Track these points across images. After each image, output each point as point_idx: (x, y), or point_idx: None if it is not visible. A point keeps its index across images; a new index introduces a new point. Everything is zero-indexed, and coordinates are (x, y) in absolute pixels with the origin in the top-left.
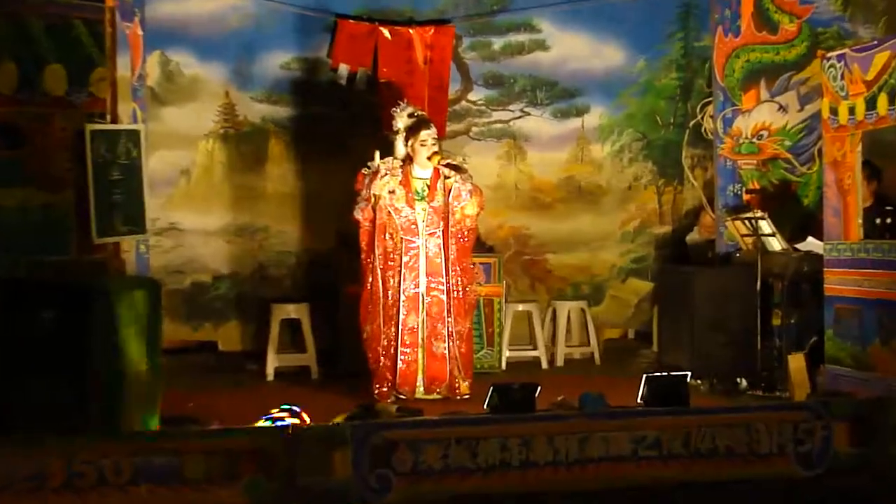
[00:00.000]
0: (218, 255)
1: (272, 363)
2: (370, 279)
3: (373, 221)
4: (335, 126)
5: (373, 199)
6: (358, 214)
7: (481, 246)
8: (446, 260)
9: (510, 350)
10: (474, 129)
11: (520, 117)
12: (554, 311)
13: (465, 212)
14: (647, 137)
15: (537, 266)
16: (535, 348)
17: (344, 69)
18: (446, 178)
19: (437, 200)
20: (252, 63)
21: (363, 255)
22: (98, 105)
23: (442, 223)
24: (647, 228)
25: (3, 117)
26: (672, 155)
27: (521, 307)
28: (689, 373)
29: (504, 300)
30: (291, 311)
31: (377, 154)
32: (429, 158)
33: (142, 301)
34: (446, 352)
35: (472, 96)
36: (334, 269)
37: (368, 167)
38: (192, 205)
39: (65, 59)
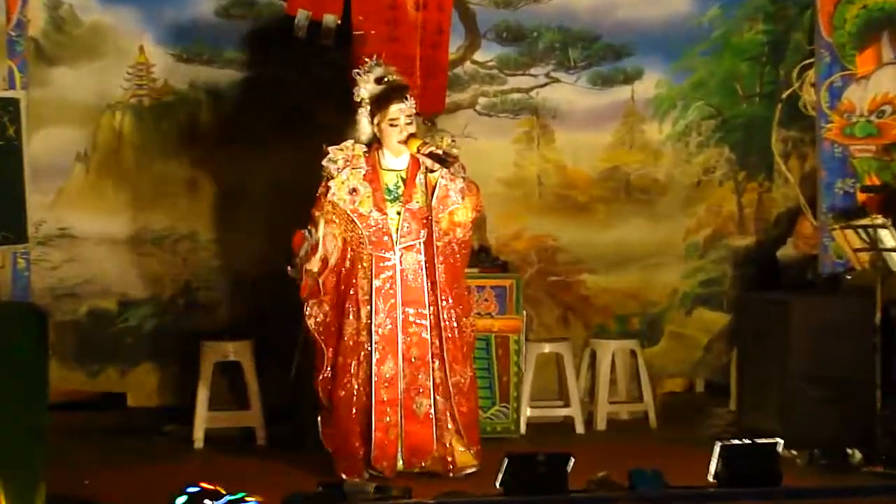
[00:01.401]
0: (127, 272)
1: (202, 424)
2: (326, 310)
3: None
4: (293, 96)
5: (334, 241)
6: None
7: (492, 262)
8: (431, 284)
9: (533, 407)
10: (483, 100)
11: (545, 85)
12: (593, 354)
13: (454, 219)
14: (723, 114)
15: (570, 291)
16: (566, 405)
17: (304, 17)
18: (428, 170)
19: (415, 201)
20: (177, 6)
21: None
22: None
23: (424, 232)
24: (723, 240)
25: None
26: (757, 138)
27: (547, 348)
28: (780, 440)
29: (524, 338)
30: (230, 351)
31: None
32: (402, 143)
33: (19, 337)
34: (431, 410)
35: (479, 55)
36: (292, 293)
37: (325, 173)
38: (91, 203)
39: None
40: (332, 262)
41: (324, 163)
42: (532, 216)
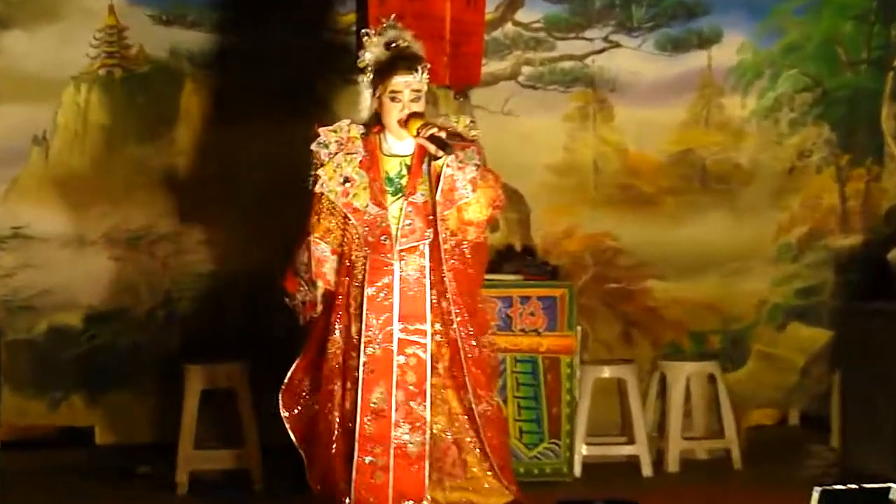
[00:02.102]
0: (95, 280)
1: (186, 465)
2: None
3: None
4: (296, 66)
5: (325, 241)
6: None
7: (538, 267)
8: (438, 295)
9: (589, 444)
10: (526, 70)
11: (603, 50)
12: (663, 379)
13: (464, 216)
14: (823, 85)
15: (633, 301)
16: (630, 441)
17: None
18: (432, 158)
19: (420, 193)
20: None
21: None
22: None
23: (430, 232)
24: (822, 239)
25: None
26: (864, 114)
27: (607, 372)
28: (894, 486)
29: (578, 360)
30: (220, 375)
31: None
32: (402, 124)
33: None
34: (424, 449)
35: (522, 15)
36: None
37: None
38: (51, 196)
39: None
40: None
41: (313, 147)
42: (587, 210)
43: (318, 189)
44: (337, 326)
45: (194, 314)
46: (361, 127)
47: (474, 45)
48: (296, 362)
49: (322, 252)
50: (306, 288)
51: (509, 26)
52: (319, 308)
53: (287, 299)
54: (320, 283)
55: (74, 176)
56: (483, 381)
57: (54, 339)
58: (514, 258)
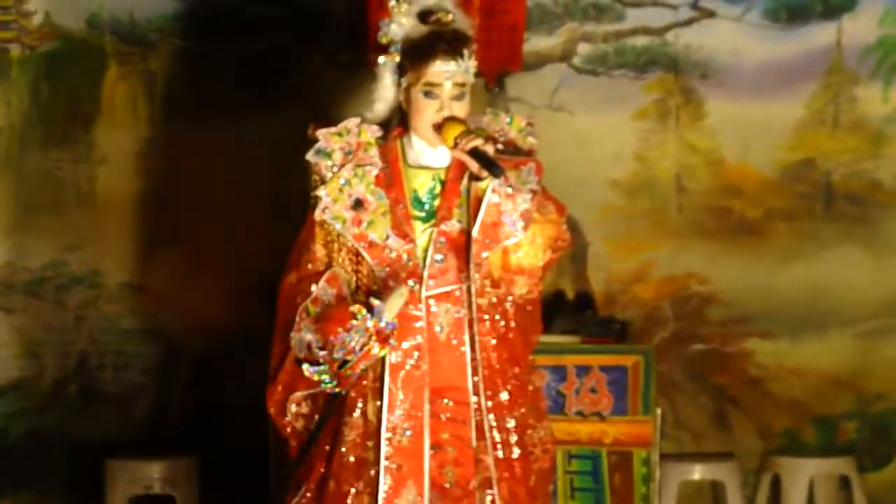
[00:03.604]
0: None
1: None
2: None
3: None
4: (263, 41)
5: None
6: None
7: (600, 326)
8: (486, 361)
9: None
10: (585, 48)
11: (690, 22)
12: (776, 482)
13: (511, 261)
14: None
15: (730, 369)
16: None
17: None
18: (474, 178)
19: (455, 220)
20: None
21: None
22: None
23: (475, 274)
24: None
25: None
26: None
27: (697, 472)
28: None
29: (657, 455)
30: (155, 477)
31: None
32: (437, 130)
33: None
34: None
35: None
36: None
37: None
38: None
39: None
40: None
41: (309, 157)
42: (666, 243)
43: (318, 216)
44: (358, 404)
45: (121, 389)
46: (376, 128)
47: (512, 17)
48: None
49: (329, 292)
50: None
51: None
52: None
53: (307, 364)
54: (384, 319)
55: None
56: (523, 493)
57: None
58: (567, 311)
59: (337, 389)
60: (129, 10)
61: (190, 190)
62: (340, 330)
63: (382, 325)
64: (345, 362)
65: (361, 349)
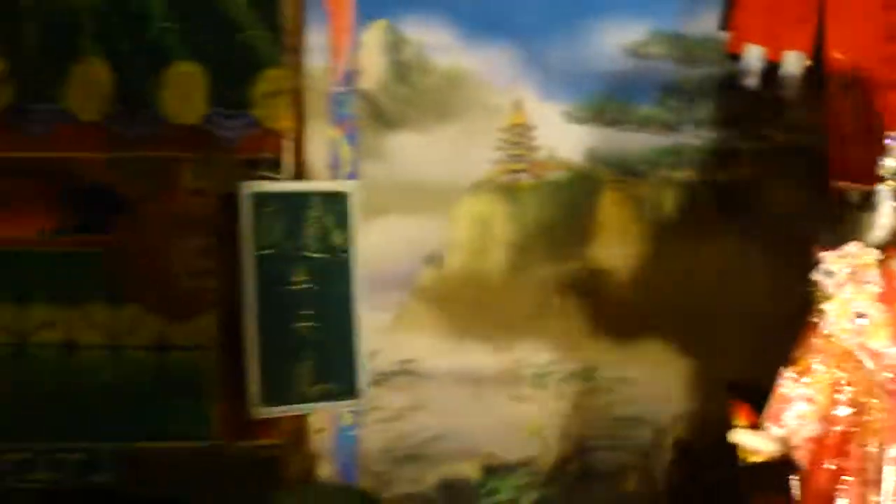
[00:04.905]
0: (494, 424)
1: None
2: None
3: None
4: (732, 170)
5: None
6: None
7: None
8: None
9: None
10: None
11: None
12: None
13: None
14: None
15: None
16: None
17: (755, 56)
18: None
19: None
20: (569, 44)
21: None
22: (268, 142)
23: None
24: None
25: (80, 169)
26: None
27: None
28: None
29: None
30: None
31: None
32: None
33: None
34: None
35: None
36: None
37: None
38: (445, 325)
39: (200, 52)
40: (796, 439)
41: (817, 276)
42: None
43: (825, 329)
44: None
45: (613, 468)
46: (877, 252)
47: None
48: None
49: (791, 391)
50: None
51: None
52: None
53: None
54: (773, 430)
55: (472, 301)
56: None
57: (448, 494)
58: None
59: None
60: (620, 147)
61: (670, 295)
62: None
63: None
64: None
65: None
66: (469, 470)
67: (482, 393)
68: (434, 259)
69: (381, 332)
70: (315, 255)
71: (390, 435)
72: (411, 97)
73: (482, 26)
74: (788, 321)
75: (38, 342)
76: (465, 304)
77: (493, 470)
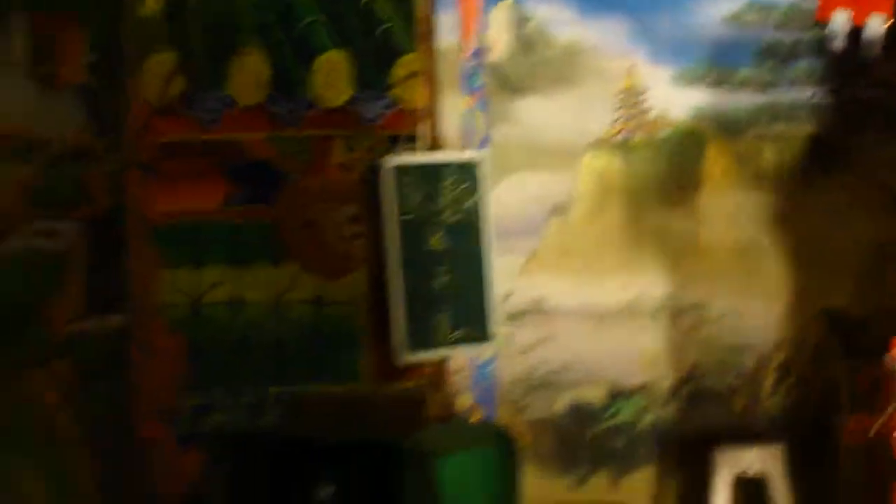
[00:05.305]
0: (616, 354)
1: None
2: None
3: None
4: (822, 126)
5: None
6: None
7: None
8: None
9: None
10: None
11: None
12: None
13: None
14: None
15: None
16: None
17: (840, 22)
18: None
19: None
20: (676, 14)
21: None
22: (406, 120)
23: None
24: None
25: (244, 148)
26: None
27: None
28: None
29: None
30: (751, 461)
31: None
32: None
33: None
34: None
35: None
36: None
37: None
38: (570, 268)
39: (345, 42)
40: None
41: None
42: None
43: None
44: None
45: (722, 391)
46: None
47: None
48: None
49: None
50: None
51: None
52: None
53: None
54: None
55: (594, 245)
56: None
57: (576, 417)
58: None
59: None
60: (720, 106)
61: (773, 238)
62: None
63: None
64: None
65: None
66: (594, 395)
67: (605, 326)
68: (559, 209)
69: (514, 276)
70: (450, 218)
71: (523, 367)
72: (535, 67)
73: (597, 1)
74: (880, 262)
75: (210, 301)
76: (588, 248)
77: (616, 394)
